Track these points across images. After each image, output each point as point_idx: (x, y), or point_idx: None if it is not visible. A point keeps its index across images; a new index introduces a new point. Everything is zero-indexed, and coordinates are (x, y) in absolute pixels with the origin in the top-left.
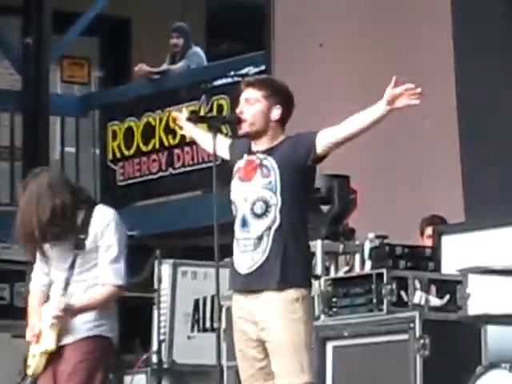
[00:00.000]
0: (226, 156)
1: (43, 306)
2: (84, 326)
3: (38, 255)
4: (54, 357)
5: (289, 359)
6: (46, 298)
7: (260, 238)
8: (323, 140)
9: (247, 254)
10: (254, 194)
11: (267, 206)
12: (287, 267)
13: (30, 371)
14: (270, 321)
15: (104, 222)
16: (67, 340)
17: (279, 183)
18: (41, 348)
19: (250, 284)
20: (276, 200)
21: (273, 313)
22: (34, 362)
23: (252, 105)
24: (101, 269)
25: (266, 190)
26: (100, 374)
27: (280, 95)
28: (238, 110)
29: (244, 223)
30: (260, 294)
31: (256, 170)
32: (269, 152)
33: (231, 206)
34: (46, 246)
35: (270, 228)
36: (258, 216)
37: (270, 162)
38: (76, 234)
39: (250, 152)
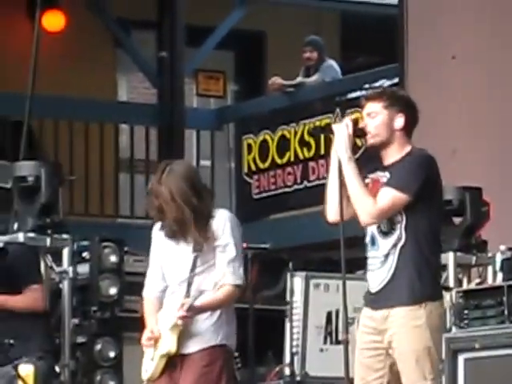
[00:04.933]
0: None
1: (160, 312)
2: (206, 334)
3: (154, 263)
4: (172, 363)
5: (411, 365)
6: (161, 305)
7: (387, 256)
8: None
9: (375, 273)
10: None
11: (392, 223)
12: (413, 284)
13: (146, 375)
14: (394, 328)
15: (221, 223)
16: (189, 349)
17: None
18: (161, 351)
19: (377, 302)
20: (400, 218)
21: (398, 321)
22: (153, 366)
23: (374, 118)
24: (219, 269)
25: None
26: (223, 382)
27: (400, 104)
28: (361, 125)
29: (373, 241)
30: (388, 309)
31: (380, 188)
32: (389, 169)
33: None
34: (172, 244)
35: (395, 245)
36: (385, 234)
37: None
38: (199, 235)
39: (378, 168)
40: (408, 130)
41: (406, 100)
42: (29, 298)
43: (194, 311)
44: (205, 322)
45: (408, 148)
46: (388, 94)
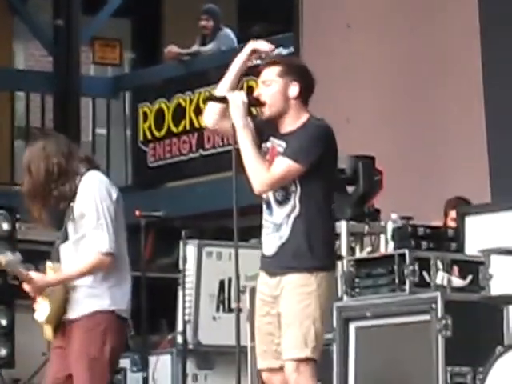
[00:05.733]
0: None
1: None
2: (84, 301)
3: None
4: (64, 329)
5: (294, 331)
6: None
7: (280, 225)
8: None
9: (270, 236)
10: None
11: (287, 193)
12: (305, 253)
13: (45, 338)
14: (284, 294)
15: (85, 189)
16: (70, 315)
17: None
18: (39, 318)
19: (271, 266)
20: (295, 188)
21: (287, 288)
22: (44, 330)
23: (269, 86)
24: (87, 236)
25: None
26: (107, 346)
27: (295, 72)
28: (255, 93)
29: (268, 206)
30: (280, 276)
31: (276, 156)
32: (285, 138)
33: None
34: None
35: (289, 215)
36: (279, 203)
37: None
38: (67, 201)
39: (274, 135)
40: (303, 98)
41: (301, 68)
42: None
43: (53, 282)
44: (85, 288)
45: (305, 117)
46: (283, 62)
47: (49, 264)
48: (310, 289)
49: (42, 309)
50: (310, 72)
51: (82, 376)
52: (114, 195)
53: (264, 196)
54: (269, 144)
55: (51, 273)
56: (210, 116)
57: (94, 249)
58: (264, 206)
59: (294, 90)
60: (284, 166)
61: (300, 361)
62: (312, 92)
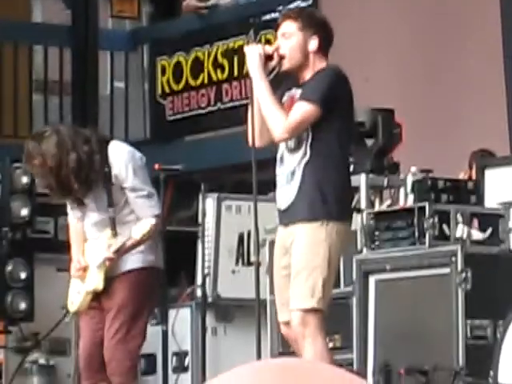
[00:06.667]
0: None
1: (87, 243)
2: (130, 258)
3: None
4: (99, 293)
5: (301, 281)
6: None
7: (292, 173)
8: None
9: (282, 189)
10: None
11: (299, 140)
12: (315, 201)
13: (73, 308)
14: (294, 244)
15: (122, 164)
16: (114, 272)
17: None
18: (87, 287)
19: (285, 218)
20: (306, 134)
21: (297, 237)
22: (79, 300)
23: (288, 39)
24: (135, 206)
25: None
26: (148, 304)
27: (316, 26)
28: (274, 46)
29: (281, 159)
30: (292, 226)
31: (292, 105)
32: (302, 86)
33: None
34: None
35: (300, 162)
36: (291, 150)
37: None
38: (100, 174)
39: (294, 86)
40: (323, 51)
41: (321, 21)
42: None
43: (120, 254)
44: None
45: (323, 65)
46: (304, 15)
47: (108, 234)
48: (319, 238)
49: (93, 279)
50: (330, 25)
51: (122, 326)
52: (143, 158)
53: (278, 149)
54: (288, 92)
55: (113, 241)
56: (256, 138)
57: (148, 214)
58: (278, 160)
59: (313, 43)
60: (301, 109)
61: (306, 311)
62: (331, 45)
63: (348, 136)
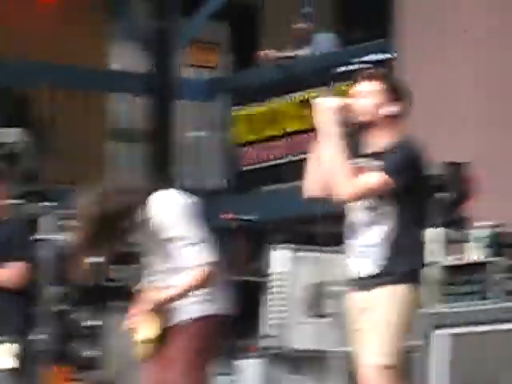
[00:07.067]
0: None
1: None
2: (188, 307)
3: None
4: (162, 340)
5: (374, 338)
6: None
7: (366, 246)
8: None
9: (355, 260)
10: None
11: (376, 213)
12: (390, 268)
13: (139, 357)
14: (370, 306)
15: (161, 213)
16: (171, 322)
17: None
18: (141, 336)
19: (359, 285)
20: (384, 205)
21: (374, 301)
22: (140, 350)
23: (363, 98)
24: (182, 256)
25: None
26: (206, 354)
27: (393, 92)
28: (347, 101)
29: (353, 230)
30: (367, 291)
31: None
32: (375, 157)
33: None
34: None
35: (379, 236)
36: (364, 224)
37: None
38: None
39: (361, 155)
40: (396, 120)
41: (400, 89)
42: (12, 273)
43: (159, 305)
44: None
45: (395, 137)
46: (384, 79)
47: (151, 285)
48: (394, 301)
49: (148, 328)
50: (409, 95)
51: (175, 378)
52: (189, 201)
53: (349, 217)
54: (352, 161)
55: (155, 293)
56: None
57: (193, 262)
58: (347, 228)
59: (386, 110)
60: (377, 179)
61: (379, 368)
62: (407, 115)
63: (423, 203)
